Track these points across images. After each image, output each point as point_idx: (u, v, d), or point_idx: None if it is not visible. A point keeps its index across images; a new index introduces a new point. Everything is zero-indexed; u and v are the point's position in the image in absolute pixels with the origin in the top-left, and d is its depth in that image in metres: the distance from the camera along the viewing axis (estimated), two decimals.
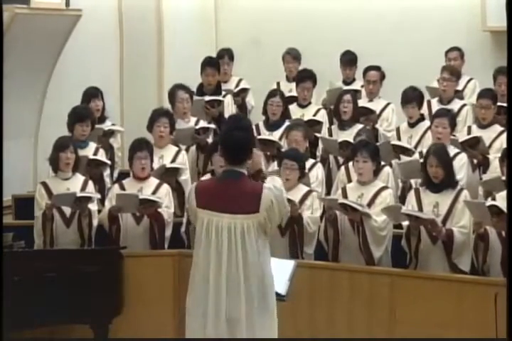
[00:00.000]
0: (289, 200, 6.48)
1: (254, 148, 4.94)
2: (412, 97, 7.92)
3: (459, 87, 8.65)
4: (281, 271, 5.32)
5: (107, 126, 8.20)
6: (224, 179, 4.88)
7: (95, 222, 6.94)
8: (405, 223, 6.38)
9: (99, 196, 7.09)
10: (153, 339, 6.57)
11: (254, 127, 8.00)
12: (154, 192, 7.02)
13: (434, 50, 9.22)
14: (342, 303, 6.34)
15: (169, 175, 7.37)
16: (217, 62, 8.96)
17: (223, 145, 4.87)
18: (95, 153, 7.64)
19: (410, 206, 6.46)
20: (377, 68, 8.74)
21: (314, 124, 8.16)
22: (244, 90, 9.15)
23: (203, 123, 8.12)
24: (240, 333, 4.74)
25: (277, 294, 5.18)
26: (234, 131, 4.83)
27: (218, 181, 5.00)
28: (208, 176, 7.02)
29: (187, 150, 7.91)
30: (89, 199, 6.87)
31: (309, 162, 7.36)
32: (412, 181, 7.13)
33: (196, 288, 4.81)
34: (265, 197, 4.70)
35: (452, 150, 7.10)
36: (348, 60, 9.20)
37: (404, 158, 7.36)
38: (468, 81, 8.89)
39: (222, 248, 4.73)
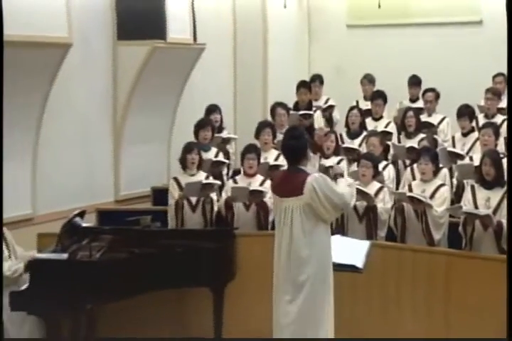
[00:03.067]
0: (365, 193, 6.55)
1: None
2: (464, 112, 7.87)
3: (504, 105, 8.44)
4: (358, 249, 5.32)
5: (224, 134, 8.27)
6: (286, 172, 5.15)
7: (216, 208, 6.98)
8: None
9: (219, 182, 7.10)
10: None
11: (338, 135, 8.02)
12: (260, 186, 7.00)
13: (483, 75, 9.02)
14: (407, 277, 6.24)
15: (273, 171, 7.31)
16: (309, 84, 8.97)
17: (282, 151, 5.23)
18: (216, 156, 7.70)
19: (467, 200, 6.34)
20: (433, 90, 8.62)
21: (386, 134, 8.07)
22: (332, 107, 9.12)
23: None
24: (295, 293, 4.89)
25: (356, 267, 5.19)
26: (288, 141, 5.08)
27: (283, 173, 5.28)
28: None
29: None
30: (212, 186, 6.91)
31: (382, 163, 7.30)
32: (465, 181, 7.01)
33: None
34: (308, 182, 4.87)
35: None
36: (414, 82, 9.10)
37: (461, 162, 7.22)
38: None
39: (280, 225, 4.98)
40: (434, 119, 8.41)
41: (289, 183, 4.98)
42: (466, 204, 6.30)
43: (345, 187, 5.15)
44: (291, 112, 8.44)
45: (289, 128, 5.59)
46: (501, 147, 7.48)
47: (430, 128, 8.15)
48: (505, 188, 6.25)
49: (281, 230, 4.98)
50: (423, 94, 8.70)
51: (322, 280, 4.95)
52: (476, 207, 6.25)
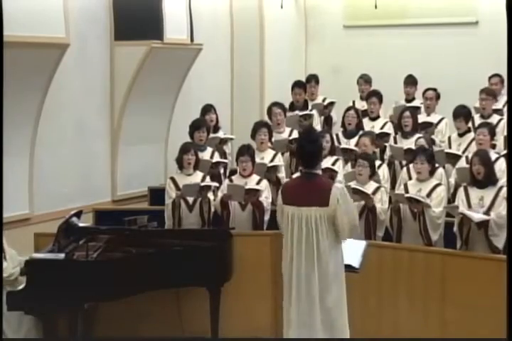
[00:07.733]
0: (364, 193, 6.53)
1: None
2: (460, 113, 7.81)
3: (500, 106, 8.43)
4: (355, 249, 5.32)
5: (221, 135, 8.22)
6: (302, 179, 5.01)
7: (213, 208, 6.96)
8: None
9: (217, 184, 7.10)
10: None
11: (334, 136, 8.01)
12: (256, 185, 6.98)
13: (479, 75, 8.96)
14: (403, 275, 6.26)
15: (271, 172, 7.38)
16: (304, 84, 8.95)
17: (298, 155, 5.08)
18: (211, 156, 7.68)
19: (460, 200, 6.35)
20: (434, 89, 8.59)
21: (384, 136, 8.05)
22: (332, 103, 9.12)
23: (295, 133, 8.05)
24: (313, 294, 4.92)
25: (352, 267, 5.21)
26: (305, 144, 4.95)
27: (298, 181, 5.11)
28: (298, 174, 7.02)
29: (282, 154, 7.85)
30: (209, 188, 6.90)
31: (377, 163, 7.24)
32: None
33: (284, 261, 5.05)
34: (333, 194, 4.84)
35: (493, 155, 6.92)
36: (410, 81, 9.07)
37: (460, 164, 7.18)
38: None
39: (302, 232, 4.88)
40: (432, 119, 8.37)
41: (310, 192, 4.89)
42: (460, 204, 6.31)
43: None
44: (291, 113, 8.41)
45: (304, 131, 5.40)
46: (500, 147, 7.49)
47: (429, 128, 8.12)
48: (497, 186, 6.29)
49: (300, 238, 4.91)
50: (424, 92, 8.64)
51: (342, 282, 5.03)
52: (470, 207, 6.28)
